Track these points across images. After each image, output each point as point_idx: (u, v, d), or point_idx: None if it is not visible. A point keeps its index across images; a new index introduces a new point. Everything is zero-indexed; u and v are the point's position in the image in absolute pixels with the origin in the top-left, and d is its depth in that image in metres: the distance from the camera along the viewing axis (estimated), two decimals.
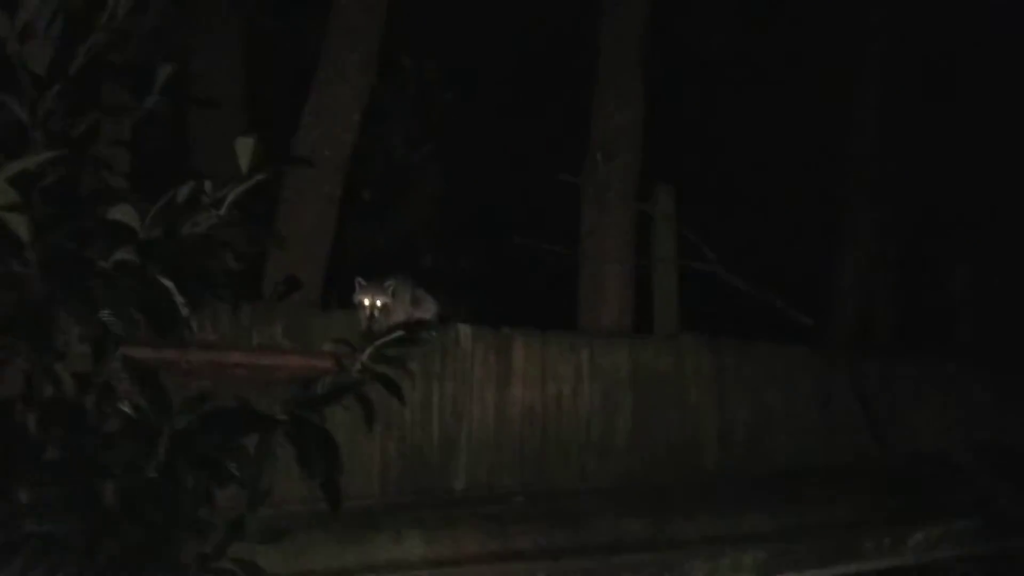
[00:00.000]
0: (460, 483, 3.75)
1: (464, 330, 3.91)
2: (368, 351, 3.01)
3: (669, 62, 5.48)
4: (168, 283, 2.73)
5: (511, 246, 5.45)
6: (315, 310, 3.71)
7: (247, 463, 2.72)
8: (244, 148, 3.02)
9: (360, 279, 3.69)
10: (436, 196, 6.18)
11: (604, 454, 4.16)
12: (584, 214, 4.92)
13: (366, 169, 5.93)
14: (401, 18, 5.77)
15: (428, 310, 3.91)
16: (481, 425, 3.88)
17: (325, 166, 4.16)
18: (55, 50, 2.77)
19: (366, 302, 3.60)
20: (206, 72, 4.51)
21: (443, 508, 3.03)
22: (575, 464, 4.07)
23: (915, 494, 3.67)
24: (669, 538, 2.91)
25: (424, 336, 3.29)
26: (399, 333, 3.12)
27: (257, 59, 4.71)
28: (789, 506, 3.27)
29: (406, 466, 3.65)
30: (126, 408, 2.50)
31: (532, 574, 2.62)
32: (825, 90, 5.62)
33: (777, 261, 5.24)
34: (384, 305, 3.64)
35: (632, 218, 4.91)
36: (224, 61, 4.56)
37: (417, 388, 3.75)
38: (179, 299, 2.79)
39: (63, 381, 2.50)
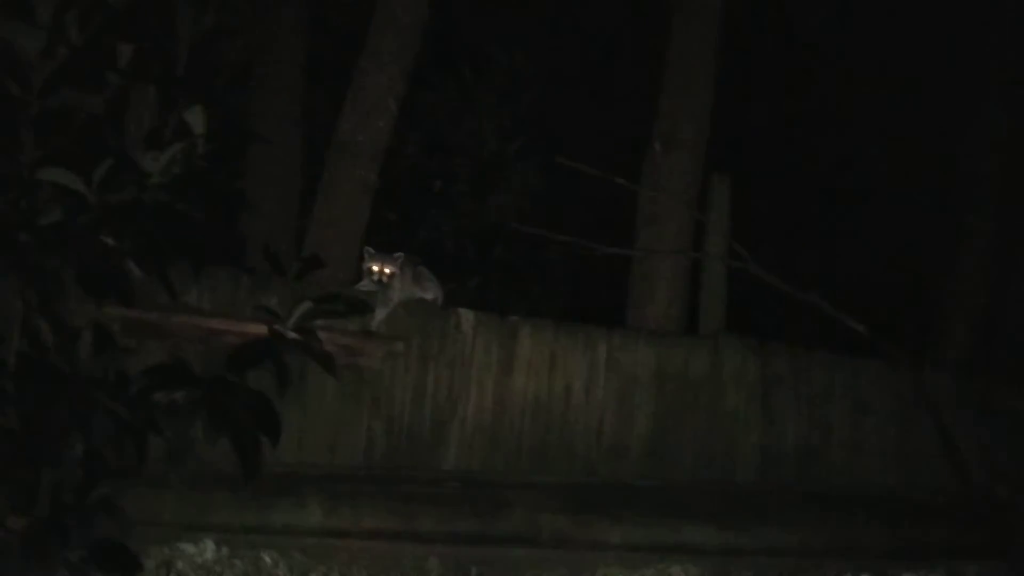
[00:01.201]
0: (449, 467, 3.72)
1: (466, 315, 3.87)
2: (294, 317, 3.10)
3: (756, 46, 5.10)
4: (110, 243, 2.97)
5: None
6: (309, 284, 3.82)
7: (173, 417, 2.89)
8: (196, 118, 3.21)
9: (369, 248, 3.80)
10: (526, 190, 6.16)
11: (616, 456, 3.94)
12: (640, 205, 4.71)
13: (455, 162, 6.06)
14: (489, 11, 5.84)
15: (429, 291, 3.93)
16: (477, 412, 3.82)
17: (359, 153, 4.30)
18: (48, 33, 3.10)
19: (375, 268, 3.72)
20: (267, 61, 4.80)
21: (365, 483, 3.03)
22: (581, 462, 3.90)
23: (949, 532, 3.14)
24: (592, 540, 2.71)
25: (361, 306, 3.34)
26: (333, 298, 3.18)
27: (317, 47, 4.95)
28: (756, 528, 2.92)
29: (392, 445, 3.68)
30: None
31: (424, 556, 2.55)
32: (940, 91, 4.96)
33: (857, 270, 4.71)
34: (392, 274, 3.72)
35: (691, 211, 4.63)
36: (284, 50, 4.82)
37: (411, 369, 3.77)
38: (130, 263, 3.02)
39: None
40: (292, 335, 3.04)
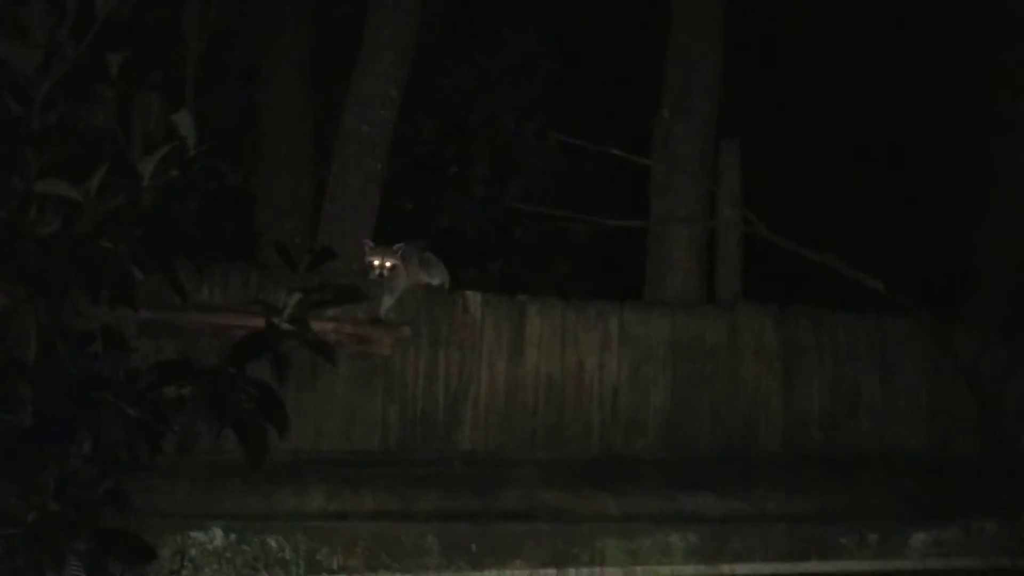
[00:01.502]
0: (466, 448, 3.76)
1: (473, 297, 3.88)
2: (289, 309, 3.16)
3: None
4: (109, 248, 3.06)
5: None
6: (320, 276, 3.86)
7: (181, 411, 2.98)
8: (185, 123, 3.28)
9: (368, 241, 3.84)
10: (547, 169, 6.13)
11: (634, 430, 3.93)
12: (653, 175, 4.66)
13: (473, 146, 6.07)
14: None
15: (435, 276, 3.95)
16: (490, 392, 3.84)
17: (364, 142, 4.34)
18: (45, 51, 3.20)
19: (375, 262, 3.75)
20: (274, 57, 4.86)
21: (366, 466, 3.07)
22: (597, 438, 3.89)
23: (972, 492, 3.05)
24: (590, 512, 2.71)
25: (351, 294, 3.38)
26: (321, 288, 3.23)
27: (324, 39, 5.00)
28: (769, 492, 2.87)
29: (407, 429, 3.73)
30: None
31: (422, 535, 2.59)
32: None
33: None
34: (392, 266, 3.76)
35: (705, 178, 4.55)
36: (289, 46, 4.88)
37: (422, 354, 3.80)
38: (131, 266, 3.11)
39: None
40: (287, 326, 3.12)
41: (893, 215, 4.86)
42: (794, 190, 4.84)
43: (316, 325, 3.57)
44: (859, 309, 4.27)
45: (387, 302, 3.78)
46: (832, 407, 4.12)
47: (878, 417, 4.13)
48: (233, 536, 2.64)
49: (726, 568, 2.71)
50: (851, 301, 4.31)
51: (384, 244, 3.88)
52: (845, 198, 4.90)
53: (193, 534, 2.64)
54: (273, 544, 2.64)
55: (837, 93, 5.14)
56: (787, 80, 5.27)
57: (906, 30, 5.01)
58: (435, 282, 3.91)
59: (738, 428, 4.01)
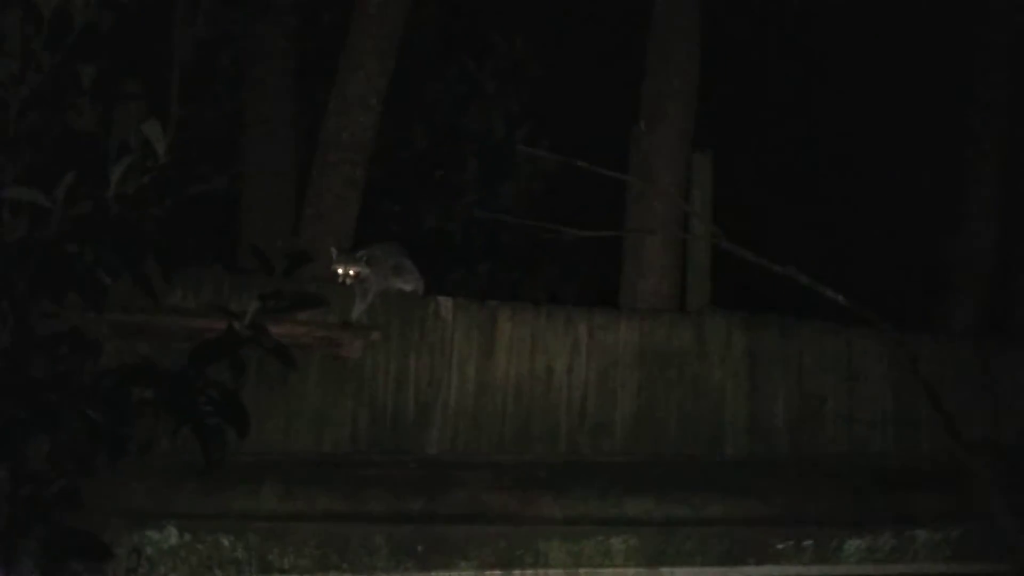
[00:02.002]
0: (433, 450, 3.85)
1: (444, 302, 3.97)
2: (250, 313, 3.26)
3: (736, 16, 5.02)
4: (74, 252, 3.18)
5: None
6: (286, 281, 3.95)
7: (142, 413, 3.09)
8: (153, 132, 3.39)
9: (334, 248, 3.93)
10: (538, 174, 6.21)
11: (600, 434, 4.00)
12: (629, 183, 4.72)
13: (464, 150, 6.15)
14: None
15: (408, 282, 4.04)
16: (460, 396, 3.92)
17: (345, 149, 4.44)
18: (19, 61, 3.32)
19: (339, 271, 3.84)
20: (259, 64, 4.97)
21: (320, 468, 3.17)
22: (564, 442, 3.97)
23: (915, 498, 3.10)
24: (535, 515, 2.79)
25: (308, 299, 3.47)
26: (278, 294, 3.33)
27: (309, 46, 5.10)
28: (711, 497, 2.94)
29: (377, 431, 3.82)
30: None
31: (370, 536, 2.68)
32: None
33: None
34: (356, 274, 3.84)
35: (679, 188, 4.62)
36: (275, 53, 4.98)
37: (393, 357, 3.89)
38: (99, 270, 3.23)
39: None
40: (247, 332, 3.22)
41: (864, 224, 4.90)
42: (767, 201, 4.88)
43: (287, 328, 3.71)
44: (829, 319, 4.32)
45: (359, 307, 3.88)
46: (798, 414, 4.17)
47: (843, 424, 4.18)
48: (188, 536, 2.75)
49: (666, 571, 2.79)
50: (823, 311, 4.36)
51: (360, 248, 3.97)
52: (817, 209, 4.94)
53: (149, 533, 2.75)
54: (226, 543, 2.75)
55: (810, 105, 5.19)
56: (761, 92, 5.32)
57: (878, 40, 5.04)
58: (407, 287, 4.00)
59: (704, 433, 4.07)
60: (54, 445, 2.68)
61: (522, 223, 4.89)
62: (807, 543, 2.77)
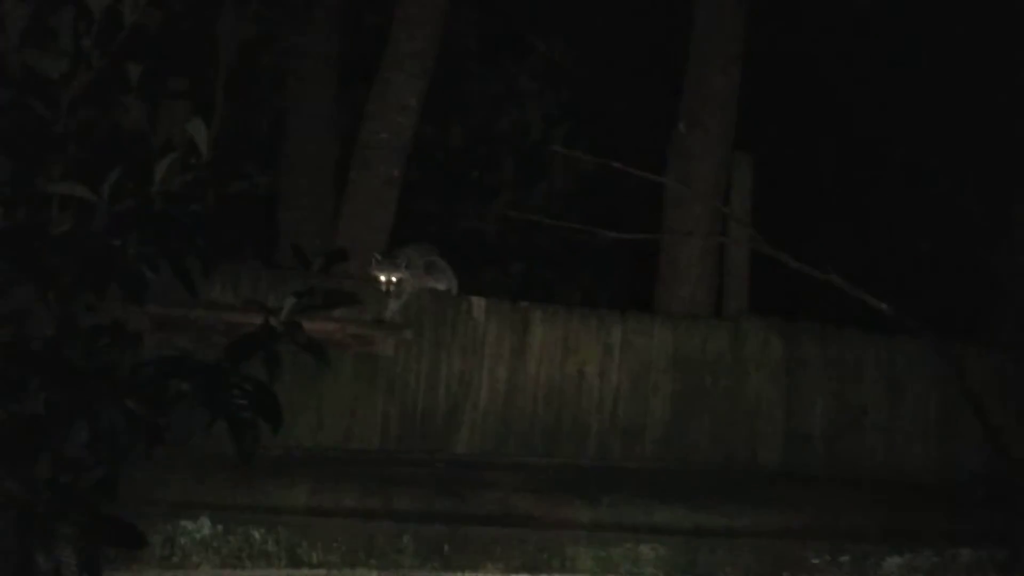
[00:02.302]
0: (462, 450, 3.85)
1: (477, 302, 3.97)
2: (286, 309, 3.30)
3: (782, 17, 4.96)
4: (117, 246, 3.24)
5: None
6: (323, 276, 3.97)
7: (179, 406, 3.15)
8: (198, 131, 3.45)
9: (377, 254, 3.94)
10: (576, 174, 6.20)
11: (631, 440, 3.97)
12: (667, 186, 4.69)
13: (500, 151, 6.17)
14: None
15: (441, 280, 4.05)
16: (490, 397, 3.92)
17: (383, 148, 4.47)
18: (70, 58, 3.40)
19: (382, 278, 3.85)
20: (302, 63, 5.03)
21: (350, 465, 3.19)
22: (594, 446, 3.95)
23: (959, 515, 3.02)
24: (562, 519, 2.78)
25: (342, 297, 3.50)
26: (312, 292, 3.35)
27: (352, 46, 5.15)
28: (743, 508, 2.89)
29: (407, 429, 3.84)
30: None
31: (398, 534, 2.69)
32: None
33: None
34: (399, 280, 3.86)
35: (718, 191, 4.57)
36: (317, 53, 5.04)
37: (425, 356, 3.91)
38: (141, 265, 3.30)
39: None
40: (280, 327, 3.25)
41: (912, 233, 4.80)
42: (810, 206, 4.81)
43: (321, 325, 3.75)
44: (871, 328, 4.24)
45: (393, 305, 3.89)
46: (836, 424, 4.10)
47: (884, 435, 4.10)
48: (220, 526, 2.79)
49: None
50: (864, 320, 4.29)
51: (394, 248, 3.99)
52: (863, 215, 4.86)
53: (183, 523, 2.79)
54: (257, 536, 2.77)
55: (856, 111, 5.10)
56: (805, 96, 5.25)
57: (928, 46, 4.95)
58: (440, 286, 4.01)
59: (738, 441, 4.03)
60: (93, 434, 2.73)
61: (557, 224, 4.88)
62: (844, 558, 2.71)
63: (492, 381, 3.94)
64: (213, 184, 3.26)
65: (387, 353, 3.85)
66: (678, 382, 4.03)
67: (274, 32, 5.04)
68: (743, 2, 4.66)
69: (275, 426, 3.18)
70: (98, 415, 2.82)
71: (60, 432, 2.65)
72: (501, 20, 6.00)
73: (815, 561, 2.72)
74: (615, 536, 2.71)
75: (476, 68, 5.97)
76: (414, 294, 3.93)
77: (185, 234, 3.24)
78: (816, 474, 3.92)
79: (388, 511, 2.79)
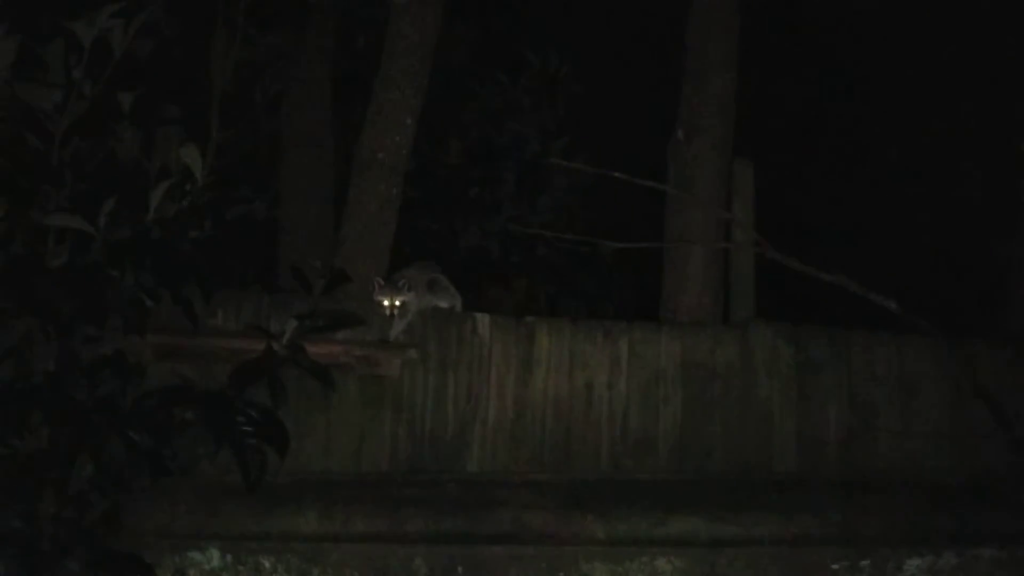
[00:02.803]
0: (472, 469, 3.80)
1: (481, 319, 3.94)
2: (288, 333, 3.26)
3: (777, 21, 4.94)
4: (115, 277, 3.20)
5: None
6: (324, 300, 3.94)
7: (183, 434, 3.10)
8: (192, 156, 3.42)
9: (379, 279, 3.91)
10: (576, 187, 6.17)
11: (643, 451, 3.92)
12: (669, 194, 4.66)
13: (500, 166, 6.15)
14: (523, 15, 5.90)
15: (444, 300, 4.02)
16: (498, 414, 3.88)
17: (380, 168, 4.44)
18: (62, 89, 3.38)
19: (385, 303, 3.81)
20: (296, 86, 5.02)
21: (359, 488, 3.14)
22: (606, 459, 3.90)
23: (977, 516, 2.96)
24: (576, 535, 2.73)
25: (346, 319, 3.46)
26: (314, 314, 3.31)
27: (347, 67, 5.14)
28: (761, 516, 2.84)
29: (415, 449, 3.79)
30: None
31: (410, 557, 2.64)
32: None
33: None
34: (403, 303, 3.82)
35: (720, 198, 4.54)
36: (312, 75, 5.03)
37: (432, 375, 3.87)
38: (141, 294, 3.26)
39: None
40: (285, 352, 3.21)
41: (915, 230, 4.76)
42: (813, 207, 4.78)
43: (325, 348, 3.70)
44: (880, 328, 4.19)
45: (398, 326, 3.86)
46: (848, 427, 4.05)
47: (897, 438, 4.04)
48: (229, 557, 2.74)
49: None
50: (874, 321, 4.24)
51: (395, 270, 3.95)
52: (867, 214, 4.81)
53: (191, 554, 2.75)
54: (267, 565, 2.73)
55: (858, 111, 5.07)
56: (805, 99, 5.22)
57: (928, 46, 4.92)
58: (444, 304, 3.98)
59: (750, 449, 3.97)
60: (97, 468, 2.69)
61: (559, 238, 4.85)
62: (864, 563, 2.66)
63: (500, 398, 3.90)
64: (210, 210, 3.22)
65: (393, 374, 3.81)
66: (688, 391, 3.98)
67: (267, 56, 5.03)
68: (738, 7, 4.64)
69: (282, 452, 3.14)
70: (101, 449, 2.79)
71: (63, 467, 2.62)
72: (495, 35, 6.00)
73: (835, 567, 2.67)
74: (631, 550, 2.66)
75: (472, 84, 5.97)
76: (418, 314, 3.90)
77: (184, 261, 3.21)
78: (831, 479, 3.87)
79: (400, 534, 2.75)
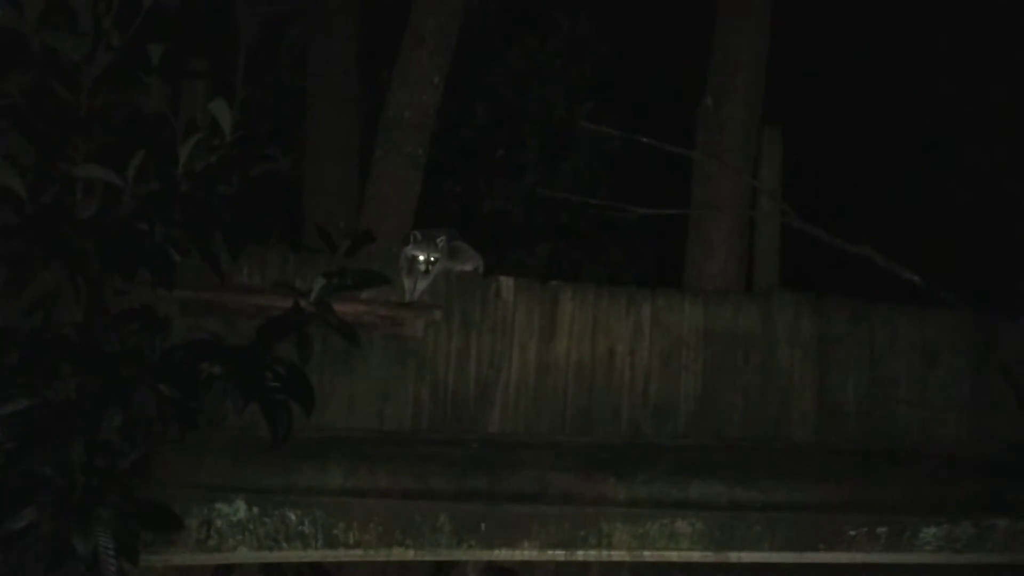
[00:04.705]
0: (494, 430, 3.84)
1: (506, 282, 3.94)
2: (314, 292, 3.28)
3: None
4: (145, 230, 3.21)
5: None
6: (349, 259, 3.94)
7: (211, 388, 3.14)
8: (221, 111, 3.41)
9: (416, 232, 3.88)
10: (602, 152, 6.13)
11: (664, 417, 3.94)
12: (695, 163, 4.62)
13: (526, 129, 6.10)
14: None
15: (468, 263, 4.02)
16: (520, 377, 3.90)
17: (407, 127, 4.42)
18: (92, 42, 3.37)
19: (421, 257, 3.81)
20: (322, 43, 4.98)
21: (384, 445, 3.18)
22: (626, 424, 3.92)
23: (994, 487, 2.97)
24: (597, 496, 2.76)
25: (371, 278, 3.47)
26: (342, 273, 3.32)
27: (373, 25, 5.09)
28: (780, 482, 2.86)
29: (438, 410, 3.83)
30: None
31: (434, 513, 2.68)
32: None
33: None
34: (436, 260, 3.82)
35: (747, 165, 4.50)
36: (337, 32, 4.98)
37: (455, 337, 3.89)
38: (169, 248, 3.28)
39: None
40: (312, 309, 3.24)
41: (941, 204, 4.71)
42: (840, 179, 4.74)
43: (350, 307, 3.73)
44: (903, 300, 4.18)
45: (421, 285, 3.87)
46: (868, 398, 4.05)
47: (916, 409, 4.04)
48: (256, 509, 2.79)
49: (733, 556, 2.73)
50: (896, 293, 4.22)
51: (429, 229, 3.94)
52: (893, 186, 4.77)
53: (218, 506, 2.80)
54: (293, 518, 2.78)
55: (885, 82, 5.00)
56: (834, 68, 5.14)
57: (955, 15, 4.82)
58: (468, 268, 3.98)
59: (770, 417, 3.98)
60: (127, 418, 2.74)
61: (584, 202, 4.83)
62: (881, 530, 2.68)
63: (522, 361, 3.91)
64: (237, 165, 3.22)
65: (416, 334, 3.84)
66: (709, 359, 3.99)
67: (295, 11, 5.00)
68: None
69: (308, 408, 3.18)
70: (131, 399, 2.83)
71: (94, 417, 2.67)
72: None
73: (852, 533, 2.69)
74: (651, 512, 2.70)
75: (499, 46, 5.90)
76: (440, 275, 3.91)
77: (212, 216, 3.22)
78: (850, 448, 3.88)
79: (424, 491, 2.79)
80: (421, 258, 3.80)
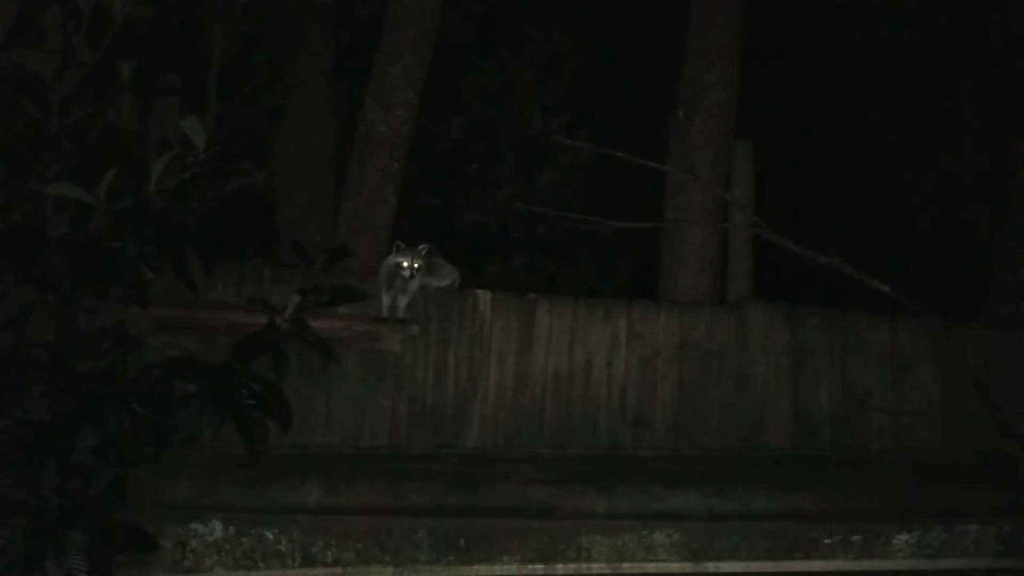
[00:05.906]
0: (472, 444, 3.84)
1: (483, 295, 3.95)
2: (291, 307, 3.26)
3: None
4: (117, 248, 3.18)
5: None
6: (325, 275, 3.94)
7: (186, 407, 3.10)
8: (194, 128, 3.40)
9: (399, 242, 3.88)
10: (576, 165, 6.16)
11: (641, 428, 3.97)
12: (668, 175, 4.67)
13: (501, 143, 6.12)
14: None
15: (444, 278, 4.02)
16: (498, 390, 3.91)
17: (382, 141, 4.44)
18: (62, 58, 3.34)
19: (404, 263, 3.80)
20: (296, 60, 4.98)
21: (362, 462, 3.18)
22: (604, 436, 3.94)
23: (964, 492, 3.03)
24: (577, 509, 2.77)
25: (348, 293, 3.46)
26: (318, 289, 3.31)
27: (346, 41, 5.10)
28: (755, 491, 2.89)
29: (416, 425, 3.82)
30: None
31: (412, 529, 2.68)
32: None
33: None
34: (420, 267, 3.81)
35: (719, 178, 4.56)
36: (311, 48, 4.99)
37: (432, 351, 3.89)
38: (142, 266, 3.24)
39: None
40: (287, 326, 3.22)
41: (909, 215, 4.79)
42: (810, 191, 4.80)
43: (327, 323, 3.71)
44: (874, 311, 4.24)
45: (402, 303, 3.87)
46: (842, 407, 4.10)
47: (889, 417, 4.10)
48: (232, 528, 2.76)
49: (711, 566, 2.75)
50: (868, 303, 4.27)
51: (408, 244, 3.94)
52: (861, 198, 4.84)
53: (194, 526, 2.76)
54: (270, 536, 2.75)
55: (854, 94, 5.08)
56: (804, 81, 5.22)
57: (925, 29, 4.92)
58: (444, 283, 3.98)
59: (746, 427, 4.03)
60: (100, 438, 2.70)
61: (560, 215, 4.85)
62: (855, 537, 2.71)
63: (500, 374, 3.93)
64: (211, 182, 3.21)
65: (394, 349, 3.83)
66: (685, 369, 4.03)
67: (268, 26, 5.00)
68: None
69: (285, 425, 3.15)
70: (104, 419, 2.79)
71: (66, 438, 2.63)
72: (498, 11, 5.96)
73: (827, 542, 2.72)
74: (630, 524, 2.71)
75: (474, 60, 5.93)
76: (418, 290, 3.91)
77: (185, 233, 3.20)
78: (824, 456, 3.93)
79: (402, 507, 2.78)
80: (405, 264, 3.79)
